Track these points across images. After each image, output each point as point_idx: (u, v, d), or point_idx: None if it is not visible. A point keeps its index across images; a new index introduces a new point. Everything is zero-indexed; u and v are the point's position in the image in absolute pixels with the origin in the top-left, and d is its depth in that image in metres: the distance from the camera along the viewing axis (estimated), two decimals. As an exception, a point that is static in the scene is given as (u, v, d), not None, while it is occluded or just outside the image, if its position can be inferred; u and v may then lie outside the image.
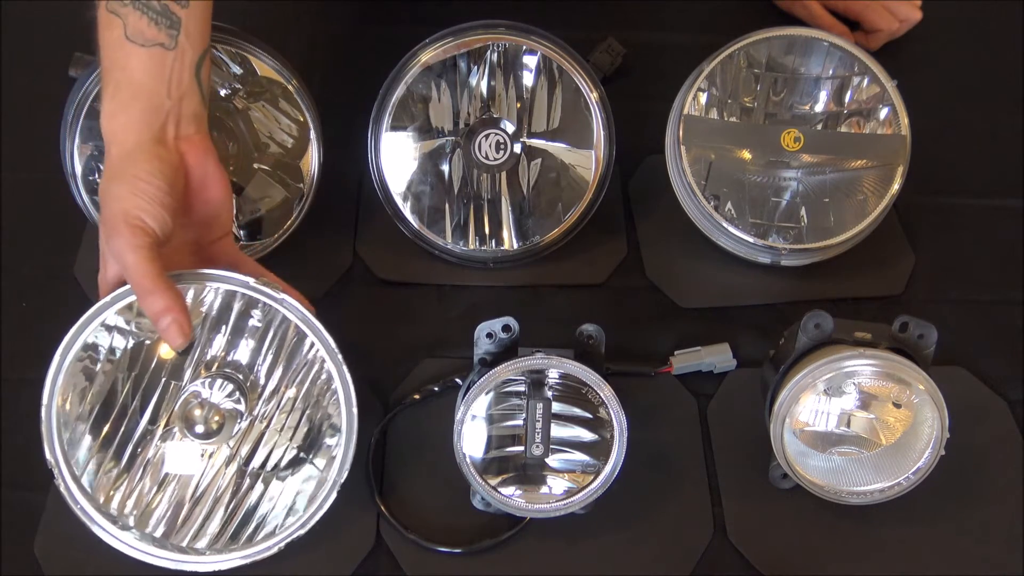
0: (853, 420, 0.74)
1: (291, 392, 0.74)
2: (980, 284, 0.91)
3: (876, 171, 0.87)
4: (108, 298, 0.70)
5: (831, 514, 0.76)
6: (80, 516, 0.71)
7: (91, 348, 0.71)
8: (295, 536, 0.73)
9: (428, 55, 0.85)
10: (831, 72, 0.88)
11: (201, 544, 0.73)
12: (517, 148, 0.88)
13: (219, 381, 0.74)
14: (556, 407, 0.74)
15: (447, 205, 0.89)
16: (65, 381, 0.70)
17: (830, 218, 0.87)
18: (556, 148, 0.89)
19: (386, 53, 0.86)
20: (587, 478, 0.73)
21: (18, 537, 0.75)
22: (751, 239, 0.86)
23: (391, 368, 0.85)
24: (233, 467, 0.74)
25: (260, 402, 0.75)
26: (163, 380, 0.73)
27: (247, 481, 0.74)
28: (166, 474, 0.74)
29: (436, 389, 0.82)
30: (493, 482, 0.73)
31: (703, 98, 0.87)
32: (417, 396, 0.82)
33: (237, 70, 0.85)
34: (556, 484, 0.75)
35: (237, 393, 0.74)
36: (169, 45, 0.68)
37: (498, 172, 0.89)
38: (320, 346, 0.72)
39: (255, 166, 0.88)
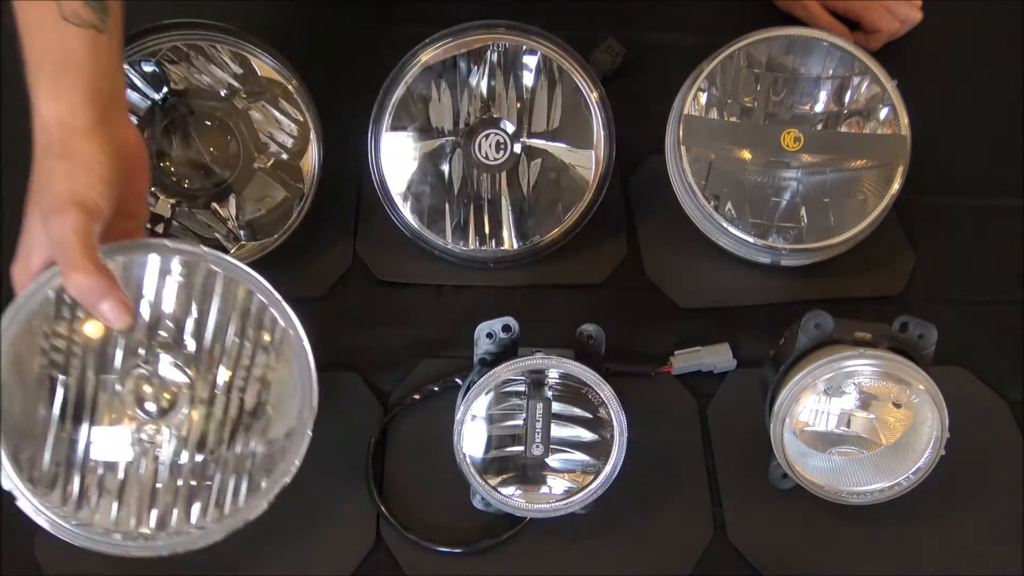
0: (853, 420, 0.74)
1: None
2: (980, 284, 0.91)
3: (876, 171, 0.87)
4: (33, 286, 0.66)
5: (831, 514, 0.76)
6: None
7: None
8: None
9: (428, 55, 0.85)
10: (831, 72, 0.88)
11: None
12: (517, 148, 0.88)
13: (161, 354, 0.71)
14: (556, 407, 0.74)
15: (447, 205, 0.88)
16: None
17: (830, 218, 0.87)
18: (556, 148, 0.88)
19: (386, 53, 0.86)
20: (587, 478, 0.74)
21: (18, 537, 0.75)
22: (751, 239, 0.86)
23: (391, 368, 0.85)
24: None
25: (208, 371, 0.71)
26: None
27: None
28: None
29: (436, 389, 0.82)
30: (493, 482, 0.73)
31: (703, 98, 0.87)
32: (417, 396, 0.82)
33: (237, 70, 0.85)
34: (556, 484, 0.75)
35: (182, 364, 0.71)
36: (102, 27, 0.67)
37: (498, 172, 0.89)
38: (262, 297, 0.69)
39: (255, 166, 0.88)
